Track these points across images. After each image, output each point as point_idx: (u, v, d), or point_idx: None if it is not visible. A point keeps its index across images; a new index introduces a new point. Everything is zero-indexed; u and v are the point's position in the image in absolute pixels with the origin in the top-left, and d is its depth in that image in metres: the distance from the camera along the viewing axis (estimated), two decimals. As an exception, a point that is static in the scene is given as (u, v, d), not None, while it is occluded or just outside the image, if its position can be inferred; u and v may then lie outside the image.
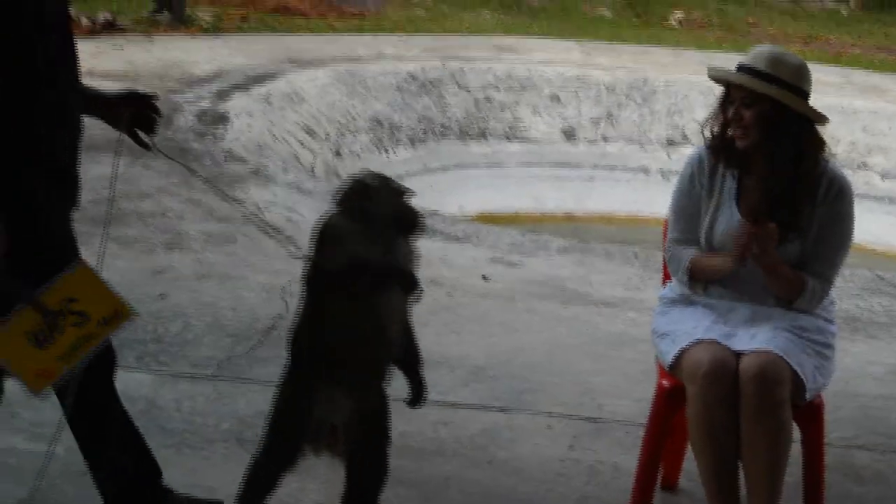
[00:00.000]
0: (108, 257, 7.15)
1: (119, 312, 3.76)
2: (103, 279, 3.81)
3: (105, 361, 3.98)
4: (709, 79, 4.60)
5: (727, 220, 4.48)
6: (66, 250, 3.88)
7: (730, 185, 4.52)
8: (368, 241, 4.08)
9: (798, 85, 4.41)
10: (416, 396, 4.26)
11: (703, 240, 4.53)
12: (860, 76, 15.11)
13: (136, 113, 4.08)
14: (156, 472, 4.24)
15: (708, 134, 4.55)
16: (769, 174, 4.44)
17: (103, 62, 12.20)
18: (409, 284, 4.19)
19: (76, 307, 3.68)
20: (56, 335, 3.65)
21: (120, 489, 4.10)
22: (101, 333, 3.73)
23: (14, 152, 3.67)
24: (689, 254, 4.53)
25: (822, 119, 4.46)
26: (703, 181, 4.55)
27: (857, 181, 12.59)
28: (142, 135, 4.15)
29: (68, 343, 3.67)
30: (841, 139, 12.98)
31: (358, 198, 4.14)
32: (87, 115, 3.97)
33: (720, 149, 4.51)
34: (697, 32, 17.20)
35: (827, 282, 4.46)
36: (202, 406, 4.94)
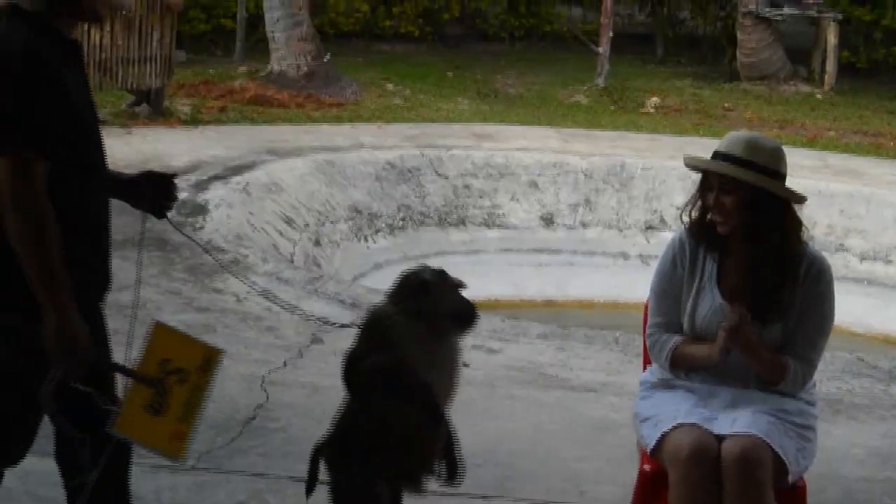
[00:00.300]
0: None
1: (209, 356, 3.93)
2: (181, 331, 4.01)
3: (121, 458, 4.00)
4: (686, 165, 4.62)
5: (709, 303, 4.50)
6: (101, 338, 3.93)
7: (710, 267, 4.54)
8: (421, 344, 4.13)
9: (775, 168, 4.44)
10: (452, 475, 4.26)
11: (685, 324, 4.54)
12: (836, 159, 15.22)
13: (156, 191, 4.16)
14: None
15: (687, 219, 4.57)
16: (750, 257, 4.46)
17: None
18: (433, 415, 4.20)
19: (171, 367, 3.84)
20: (168, 399, 3.80)
21: None
22: (205, 380, 3.90)
23: (67, 240, 3.69)
24: (672, 341, 4.54)
25: (801, 199, 4.49)
26: (684, 264, 4.57)
27: (836, 263, 12.62)
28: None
29: (182, 401, 3.84)
30: (818, 222, 13.05)
31: (416, 295, 4.17)
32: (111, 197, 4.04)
33: (701, 233, 4.54)
34: (673, 117, 17.31)
35: (810, 364, 4.47)
36: (182, 497, 4.91)
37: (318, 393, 6.71)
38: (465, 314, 4.23)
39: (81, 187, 3.80)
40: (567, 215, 13.46)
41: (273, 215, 11.37)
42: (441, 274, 4.26)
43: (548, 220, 13.44)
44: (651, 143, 14.92)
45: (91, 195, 3.85)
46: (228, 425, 5.94)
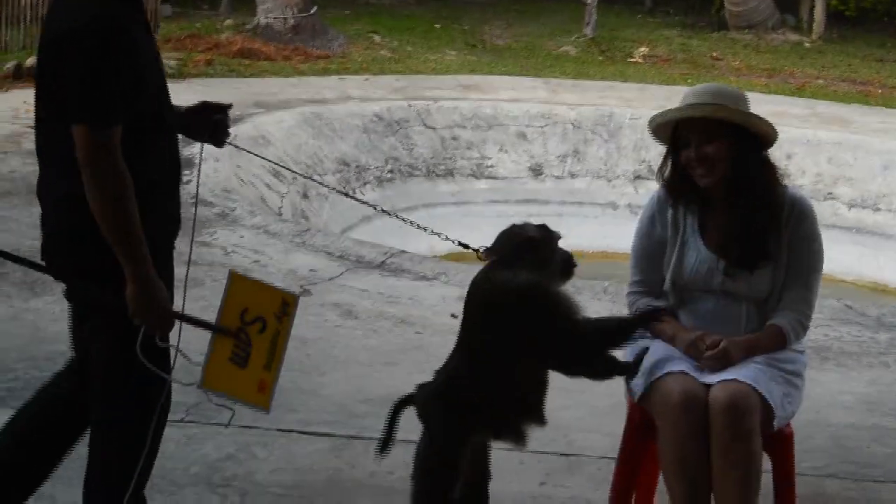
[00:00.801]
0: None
1: (286, 301, 3.97)
2: (256, 279, 4.09)
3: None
4: (653, 129, 4.58)
5: (695, 255, 4.49)
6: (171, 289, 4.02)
7: (691, 222, 4.53)
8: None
9: (745, 109, 4.44)
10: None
11: (669, 278, 4.53)
12: (824, 107, 15.22)
13: (213, 122, 4.29)
14: None
15: (664, 177, 4.57)
16: (733, 206, 4.45)
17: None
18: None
19: (250, 316, 3.90)
20: (251, 349, 3.86)
21: None
22: (285, 326, 3.95)
23: (149, 197, 3.78)
24: (649, 307, 4.54)
25: (776, 133, 4.47)
26: (664, 222, 4.56)
27: (824, 212, 12.66)
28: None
29: (265, 350, 3.91)
30: (807, 170, 13.07)
31: (526, 251, 4.17)
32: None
33: (678, 189, 4.52)
34: (662, 67, 17.29)
35: (808, 305, 4.47)
36: (172, 450, 4.92)
37: (306, 345, 6.71)
38: (569, 264, 4.28)
39: (158, 147, 3.87)
40: (556, 166, 13.45)
41: (261, 168, 11.34)
42: (544, 228, 4.27)
43: (536, 171, 13.43)
44: (639, 92, 14.91)
45: (166, 152, 3.92)
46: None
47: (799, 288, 4.46)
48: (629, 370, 4.28)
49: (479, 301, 4.19)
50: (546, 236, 4.24)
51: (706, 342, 4.35)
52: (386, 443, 4.40)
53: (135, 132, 3.73)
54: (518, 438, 4.30)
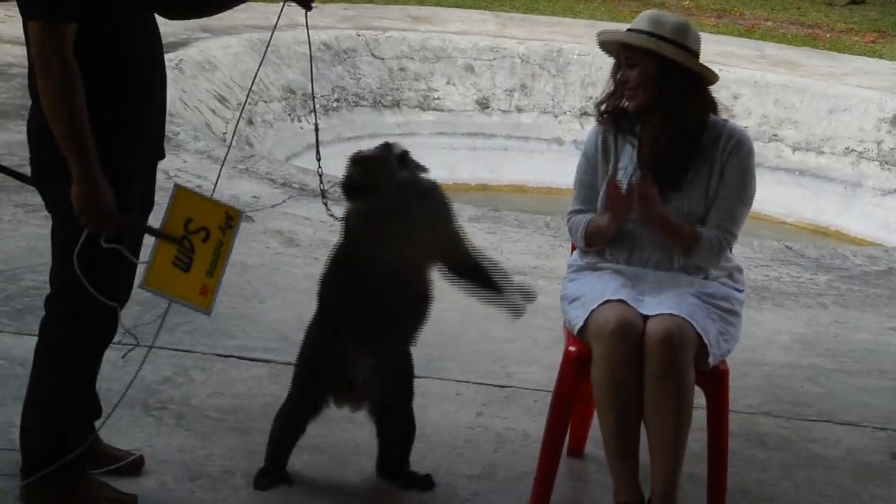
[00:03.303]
0: (15, 223, 7.08)
1: (230, 215, 4.13)
2: (202, 194, 4.21)
3: None
4: (599, 44, 4.61)
5: (625, 180, 4.51)
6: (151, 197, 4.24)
7: (630, 152, 4.55)
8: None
9: (682, 41, 4.44)
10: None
11: (600, 204, 4.56)
12: (773, 49, 15.25)
13: None
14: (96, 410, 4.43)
15: (602, 107, 4.60)
16: (657, 132, 4.48)
17: (11, 28, 12.04)
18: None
19: (194, 226, 4.03)
20: (194, 256, 4.01)
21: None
22: (228, 238, 4.10)
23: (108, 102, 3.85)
24: (585, 219, 4.57)
25: (708, 71, 4.48)
26: (600, 153, 4.59)
27: (769, 154, 12.74)
28: None
29: (207, 257, 4.04)
30: (753, 111, 13.11)
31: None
32: None
33: (614, 119, 4.56)
34: (611, 5, 17.26)
35: (727, 233, 4.47)
36: (108, 372, 4.89)
37: (247, 272, 6.69)
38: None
39: (118, 50, 3.86)
40: (503, 100, 13.43)
41: (206, 93, 11.25)
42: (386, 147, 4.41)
43: (483, 105, 13.40)
44: (588, 29, 14.85)
45: (130, 57, 3.91)
46: (156, 301, 5.87)
47: (723, 213, 4.48)
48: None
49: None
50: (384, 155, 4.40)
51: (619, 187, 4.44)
52: None
53: (91, 35, 3.76)
54: (375, 350, 4.35)
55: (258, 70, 5.21)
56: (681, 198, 4.46)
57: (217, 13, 4.53)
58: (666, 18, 4.49)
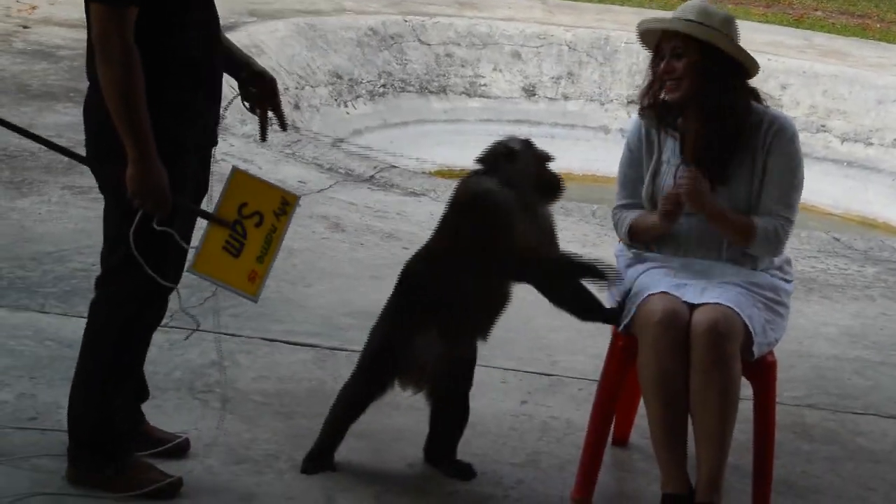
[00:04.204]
0: (62, 205, 7.11)
1: (286, 200, 4.08)
2: (259, 177, 4.19)
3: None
4: (639, 34, 4.57)
5: (670, 175, 4.49)
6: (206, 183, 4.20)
7: (672, 145, 4.52)
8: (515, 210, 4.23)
9: (726, 31, 4.41)
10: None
11: (645, 198, 4.54)
12: (822, 39, 15.15)
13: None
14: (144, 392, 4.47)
15: (644, 102, 4.56)
16: (701, 124, 4.45)
17: (61, 11, 12.09)
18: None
19: (248, 210, 4.01)
20: (245, 241, 3.99)
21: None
22: (282, 224, 4.07)
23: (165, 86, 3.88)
24: (631, 216, 4.55)
25: (754, 63, 4.45)
26: (641, 145, 4.56)
27: (817, 144, 12.66)
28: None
29: (259, 243, 4.02)
30: (801, 102, 13.02)
31: (503, 163, 4.28)
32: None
33: (656, 112, 4.51)
34: (660, -8, 17.18)
35: (782, 219, 4.43)
36: (154, 355, 4.90)
37: (292, 256, 6.70)
38: (553, 185, 4.37)
39: (178, 34, 3.89)
40: (549, 87, 13.39)
41: (253, 77, 11.26)
42: (527, 143, 4.36)
43: (529, 92, 13.37)
44: (636, 16, 14.69)
45: (192, 42, 3.93)
46: (202, 285, 5.87)
47: (775, 199, 4.44)
48: (611, 316, 4.38)
49: (449, 201, 4.35)
50: (525, 150, 4.29)
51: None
52: None
53: (160, 13, 3.80)
54: (459, 346, 4.40)
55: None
56: (725, 190, 4.43)
57: None
58: (714, 10, 4.47)
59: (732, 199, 4.43)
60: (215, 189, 4.10)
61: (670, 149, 4.53)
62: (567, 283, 4.34)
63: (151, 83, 3.77)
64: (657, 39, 4.50)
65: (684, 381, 4.20)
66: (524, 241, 4.21)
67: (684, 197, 4.34)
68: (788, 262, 4.59)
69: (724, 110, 4.41)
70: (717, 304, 4.21)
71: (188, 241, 4.05)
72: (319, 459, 4.50)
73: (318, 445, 4.51)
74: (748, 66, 4.45)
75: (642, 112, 4.58)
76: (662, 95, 4.47)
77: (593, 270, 4.32)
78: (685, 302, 4.25)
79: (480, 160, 4.32)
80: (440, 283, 4.29)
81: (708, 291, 4.28)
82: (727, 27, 4.43)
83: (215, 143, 4.22)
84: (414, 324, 4.34)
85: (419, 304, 4.33)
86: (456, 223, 4.30)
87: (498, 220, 4.21)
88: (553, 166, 4.38)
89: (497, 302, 4.39)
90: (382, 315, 4.44)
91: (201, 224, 4.06)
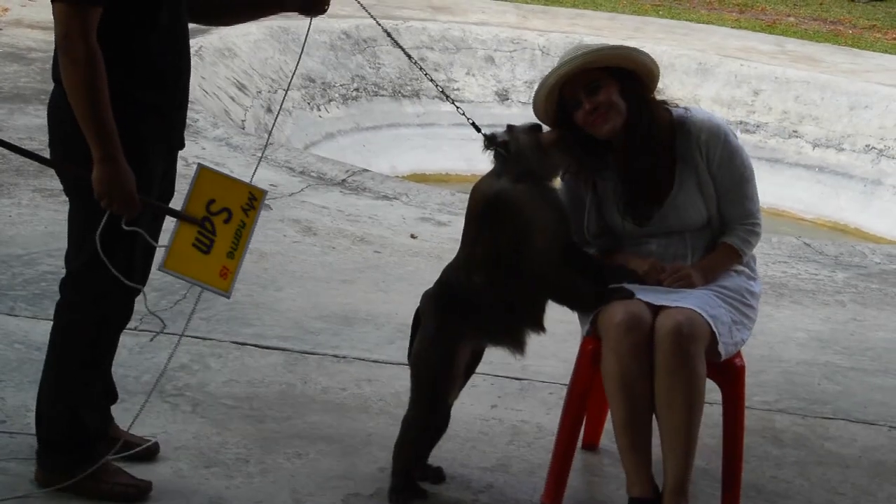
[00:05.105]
0: (32, 207, 7.09)
1: (253, 194, 4.09)
2: (225, 174, 4.20)
3: None
4: (540, 107, 4.47)
5: (613, 208, 4.49)
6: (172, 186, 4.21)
7: (601, 183, 4.50)
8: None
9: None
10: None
11: (593, 235, 4.54)
12: (794, 45, 15.21)
13: None
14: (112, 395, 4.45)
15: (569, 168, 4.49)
16: (633, 149, 4.39)
17: (32, 13, 12.07)
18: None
19: (216, 207, 4.01)
20: (215, 238, 4.00)
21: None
22: (251, 219, 4.07)
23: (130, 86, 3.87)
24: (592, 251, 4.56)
25: (657, 68, 4.42)
26: (579, 192, 4.53)
27: (789, 150, 12.72)
28: None
29: (229, 239, 4.02)
30: (773, 108, 13.08)
31: (501, 156, 4.27)
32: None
33: (583, 163, 4.43)
34: (633, -2, 17.21)
35: (750, 223, 4.46)
36: (124, 358, 4.90)
37: (263, 259, 6.69)
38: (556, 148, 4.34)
39: (144, 34, 3.88)
40: (522, 92, 13.41)
41: (225, 80, 11.26)
42: (510, 127, 4.35)
43: (503, 96, 13.39)
44: (609, 22, 14.85)
45: (156, 42, 3.91)
46: (172, 288, 5.92)
47: (736, 204, 4.45)
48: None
49: (467, 209, 4.31)
50: (515, 135, 4.29)
51: (665, 268, 4.38)
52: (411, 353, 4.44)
53: (126, 14, 3.80)
54: (514, 345, 4.39)
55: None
56: (677, 205, 4.42)
57: (240, 22, 4.57)
58: (588, 45, 4.46)
59: (684, 217, 4.43)
60: (182, 188, 4.09)
61: (603, 185, 4.50)
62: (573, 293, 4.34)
63: (116, 84, 3.75)
64: (556, 98, 4.40)
65: (648, 384, 4.19)
66: (544, 240, 4.18)
67: (676, 281, 4.37)
68: (753, 258, 4.59)
69: (653, 126, 4.39)
70: (679, 306, 4.21)
71: (156, 242, 4.04)
72: (409, 490, 4.43)
73: (399, 478, 4.42)
74: (655, 75, 4.43)
75: (565, 174, 4.52)
76: (594, 133, 4.35)
77: (603, 295, 4.30)
78: (649, 304, 4.25)
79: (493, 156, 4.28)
80: (478, 292, 4.24)
81: (672, 294, 4.28)
82: (613, 48, 4.43)
83: (181, 146, 4.20)
84: (463, 337, 4.31)
85: (464, 316, 4.28)
86: (478, 230, 4.24)
87: (519, 216, 4.18)
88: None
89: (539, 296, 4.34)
90: (423, 340, 4.33)
91: (168, 225, 4.05)
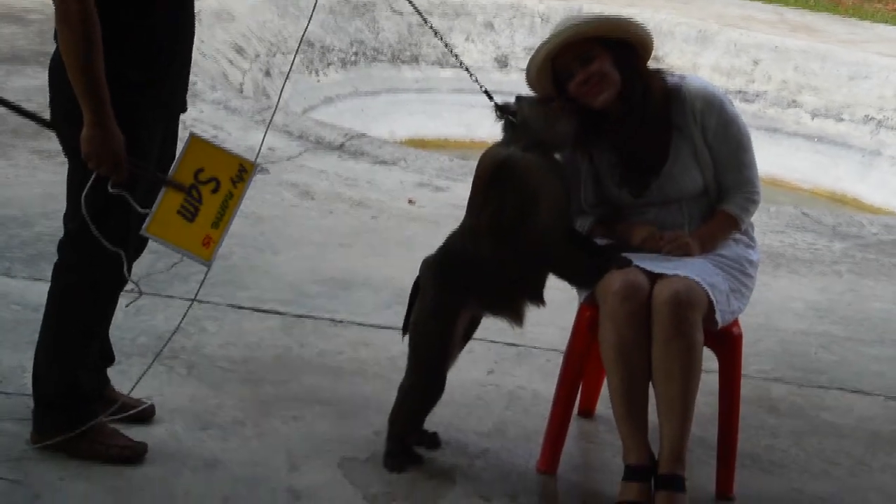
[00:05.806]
0: (30, 169, 7.07)
1: (243, 167, 4.09)
2: (217, 144, 4.17)
3: None
4: (533, 76, 4.44)
5: (609, 178, 4.48)
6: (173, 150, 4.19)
7: (606, 158, 4.49)
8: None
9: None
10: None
11: (590, 203, 4.54)
12: (793, 14, 15.16)
13: None
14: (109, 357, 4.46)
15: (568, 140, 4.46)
16: (624, 120, 4.38)
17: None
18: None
19: (204, 176, 4.01)
20: (200, 206, 3.99)
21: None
22: (239, 190, 4.07)
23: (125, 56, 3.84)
24: (591, 220, 4.54)
25: (650, 39, 4.40)
26: (578, 171, 4.52)
27: (787, 119, 12.68)
28: None
29: (215, 209, 4.02)
30: (772, 77, 13.04)
31: (510, 125, 4.30)
32: None
33: (580, 139, 4.41)
34: (634, -35, 17.14)
35: (749, 190, 4.45)
36: (120, 320, 4.89)
37: (261, 223, 6.68)
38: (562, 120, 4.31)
39: (145, 6, 3.85)
40: (521, 58, 13.34)
41: (223, 44, 11.21)
42: (518, 98, 4.33)
43: (502, 62, 13.35)
44: (610, -11, 14.77)
45: (154, 5, 3.88)
46: (169, 251, 5.89)
47: (734, 172, 4.43)
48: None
49: (474, 177, 4.29)
50: (523, 105, 4.28)
51: (663, 236, 4.37)
52: (406, 325, 4.41)
53: None
54: (513, 317, 4.39)
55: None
56: (674, 174, 4.41)
57: None
58: (581, 14, 4.45)
59: (680, 186, 4.41)
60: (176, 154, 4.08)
61: (601, 155, 4.49)
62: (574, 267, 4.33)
63: (111, 46, 3.73)
64: (549, 68, 4.38)
65: (645, 352, 4.19)
66: (549, 210, 4.15)
67: (673, 249, 4.36)
68: (751, 226, 4.58)
69: (647, 96, 4.36)
70: (677, 274, 4.20)
71: (150, 206, 4.02)
72: (404, 455, 4.44)
73: (395, 444, 4.43)
74: (649, 45, 4.41)
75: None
76: (588, 104, 4.33)
77: (602, 267, 4.29)
78: (647, 272, 4.24)
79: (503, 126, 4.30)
80: (482, 261, 4.22)
81: (670, 262, 4.28)
82: (606, 18, 4.41)
83: (183, 109, 4.18)
84: (463, 306, 4.32)
85: (465, 285, 4.28)
86: (485, 198, 4.22)
87: (526, 185, 4.16)
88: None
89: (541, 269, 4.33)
90: (423, 309, 4.33)
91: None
